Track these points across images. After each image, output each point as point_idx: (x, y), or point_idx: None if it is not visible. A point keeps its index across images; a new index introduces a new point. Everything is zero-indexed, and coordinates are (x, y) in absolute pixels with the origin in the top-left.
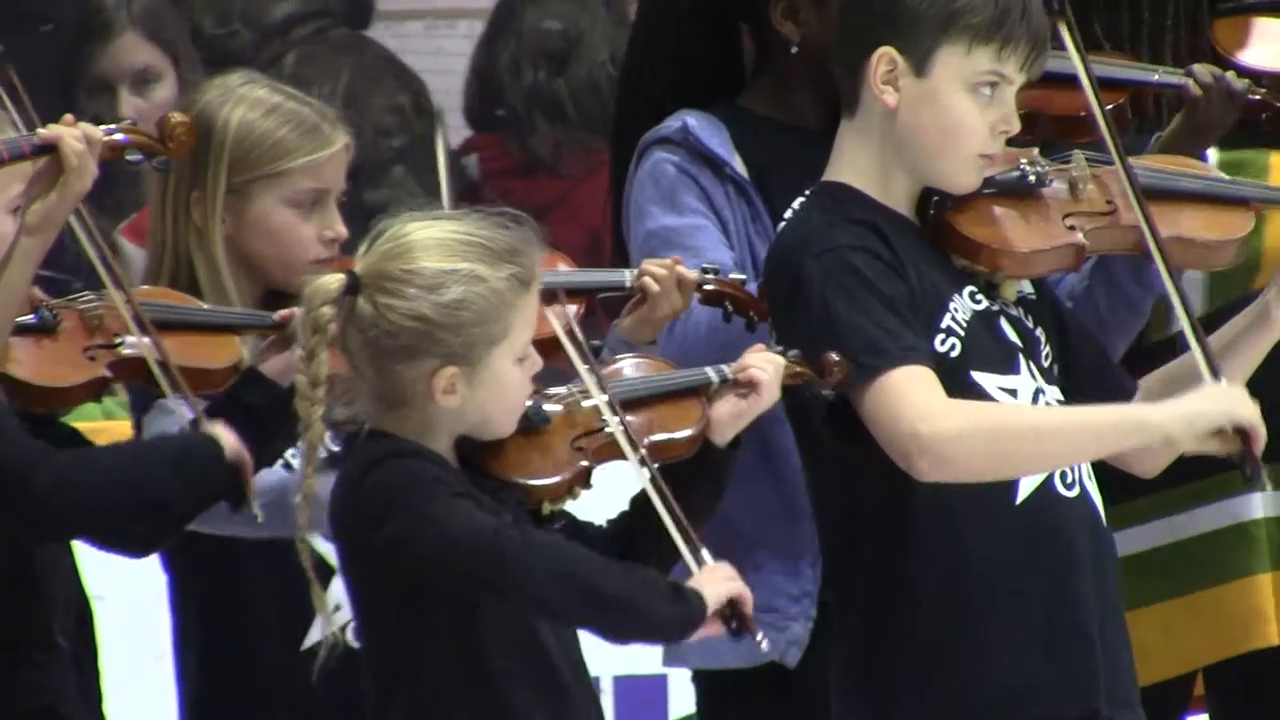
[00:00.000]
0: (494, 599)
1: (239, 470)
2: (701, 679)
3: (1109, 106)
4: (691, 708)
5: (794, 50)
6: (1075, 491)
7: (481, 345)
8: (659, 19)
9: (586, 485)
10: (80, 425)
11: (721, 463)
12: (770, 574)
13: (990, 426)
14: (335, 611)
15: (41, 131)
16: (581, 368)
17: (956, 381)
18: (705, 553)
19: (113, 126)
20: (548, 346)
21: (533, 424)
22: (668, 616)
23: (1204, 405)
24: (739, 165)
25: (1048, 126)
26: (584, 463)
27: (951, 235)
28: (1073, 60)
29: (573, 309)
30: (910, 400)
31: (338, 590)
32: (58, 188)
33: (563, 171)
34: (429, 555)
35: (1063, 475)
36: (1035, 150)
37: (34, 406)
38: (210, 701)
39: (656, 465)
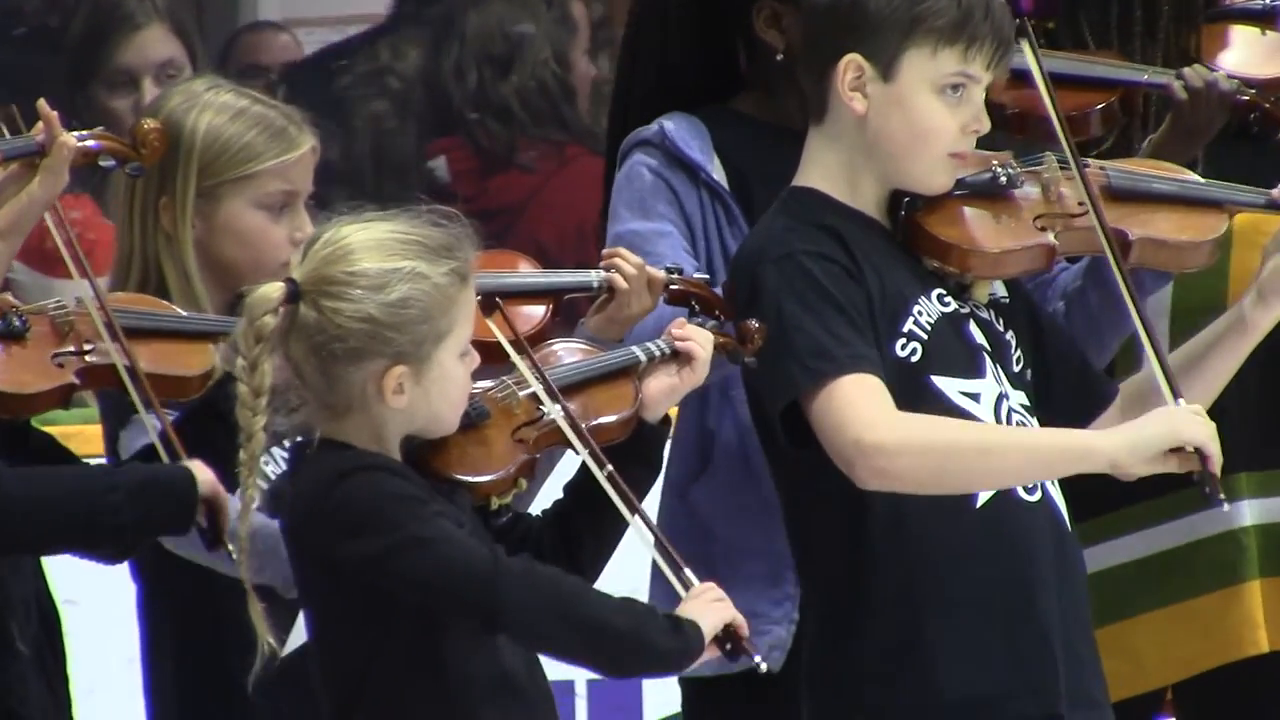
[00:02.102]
0: (485, 628)
1: (215, 509)
2: (685, 683)
3: (1099, 106)
4: (665, 711)
5: (779, 57)
6: (1036, 496)
7: (429, 342)
8: (648, 26)
9: (531, 476)
10: (57, 430)
11: (655, 440)
12: (752, 578)
13: (933, 443)
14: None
15: (39, 138)
16: (515, 356)
17: (915, 386)
18: (689, 573)
19: (85, 133)
20: (485, 350)
21: (472, 420)
22: (667, 651)
23: (1149, 430)
24: (716, 170)
25: (1036, 127)
26: (526, 455)
27: (921, 236)
28: (1031, 68)
29: (540, 310)
30: (856, 409)
31: None
32: (28, 191)
33: (531, 167)
34: (414, 576)
35: None
36: (1009, 153)
37: (1, 413)
38: (183, 710)
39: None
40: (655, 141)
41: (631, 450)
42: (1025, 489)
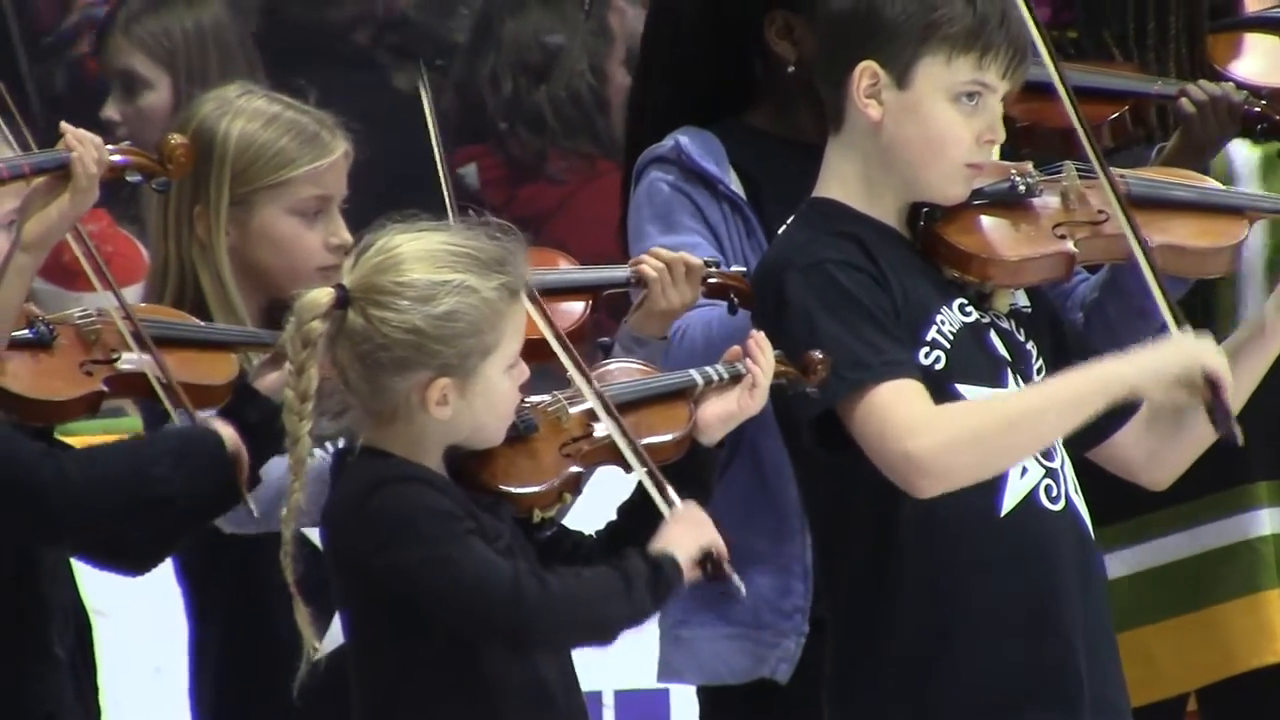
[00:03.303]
0: (508, 647)
1: (238, 466)
2: (700, 694)
3: (1110, 117)
4: None
5: (790, 69)
6: (1060, 505)
7: (475, 356)
8: (662, 39)
9: (576, 492)
10: (80, 440)
11: (709, 464)
12: (761, 590)
13: (974, 429)
14: None
15: (66, 141)
16: (572, 369)
17: (940, 394)
18: (672, 492)
19: (112, 147)
20: (534, 348)
21: (520, 432)
22: (655, 603)
23: (1168, 354)
24: (733, 182)
25: (1047, 138)
26: (573, 468)
27: (941, 246)
28: (1053, 79)
29: (579, 306)
30: (895, 417)
31: None
32: (58, 205)
33: (560, 178)
34: (441, 595)
35: (1048, 489)
36: (1029, 163)
37: (29, 421)
38: (229, 709)
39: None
40: (671, 157)
41: (685, 472)
42: (1049, 498)
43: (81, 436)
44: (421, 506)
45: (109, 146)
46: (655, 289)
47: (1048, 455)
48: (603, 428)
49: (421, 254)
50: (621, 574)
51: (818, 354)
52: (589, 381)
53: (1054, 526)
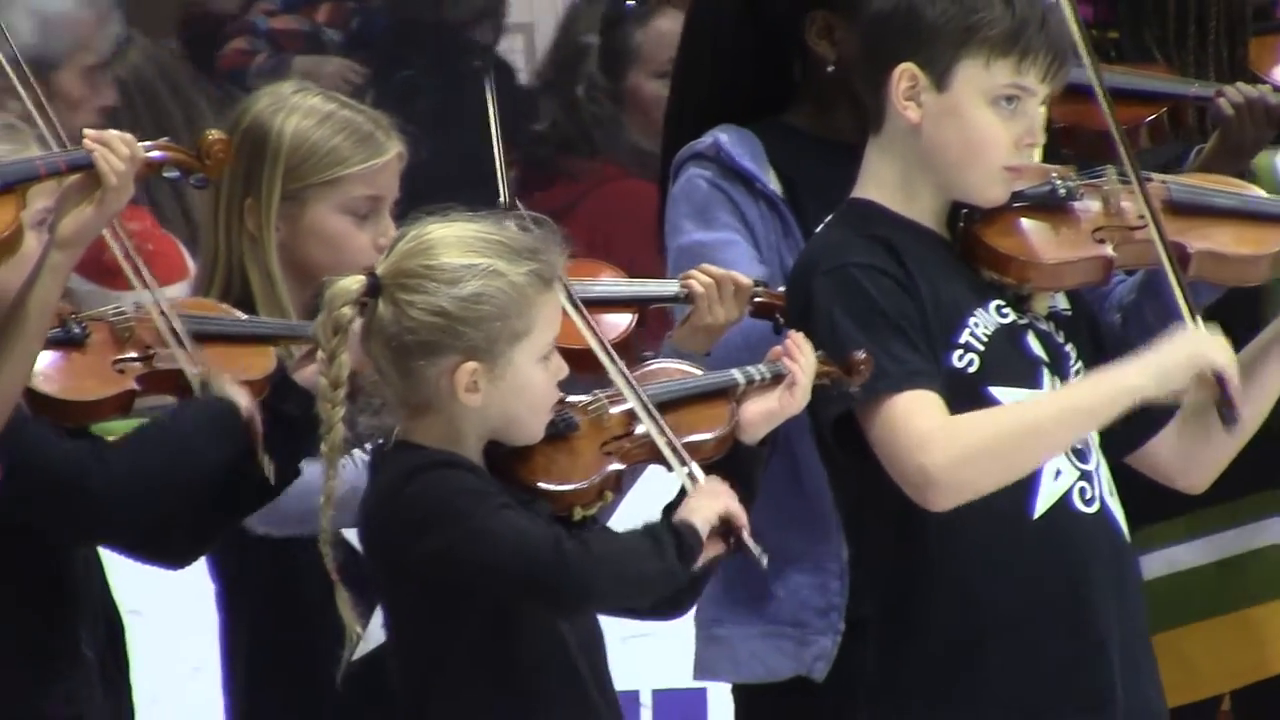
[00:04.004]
0: (551, 610)
1: (252, 432)
2: (736, 692)
3: (1148, 119)
4: None
5: (830, 69)
6: (1094, 508)
7: (503, 341)
8: (701, 39)
9: (617, 490)
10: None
11: (752, 462)
12: (797, 588)
13: (988, 442)
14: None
15: (85, 144)
16: (612, 369)
17: (972, 397)
18: (695, 467)
19: (149, 144)
20: (577, 358)
21: (559, 430)
22: (681, 567)
23: (1172, 357)
24: (771, 181)
25: (1085, 141)
26: (614, 466)
27: (979, 247)
28: (1092, 82)
29: (626, 320)
30: (910, 430)
31: None
32: (94, 203)
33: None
34: (484, 566)
35: (1081, 491)
36: (1069, 166)
37: (62, 421)
38: (263, 705)
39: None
40: (709, 154)
41: (729, 471)
42: (1083, 500)
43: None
44: (454, 489)
45: (146, 143)
46: (702, 304)
47: (1082, 458)
48: (644, 426)
49: (451, 240)
50: (650, 537)
51: (860, 354)
52: (627, 380)
53: (1087, 529)
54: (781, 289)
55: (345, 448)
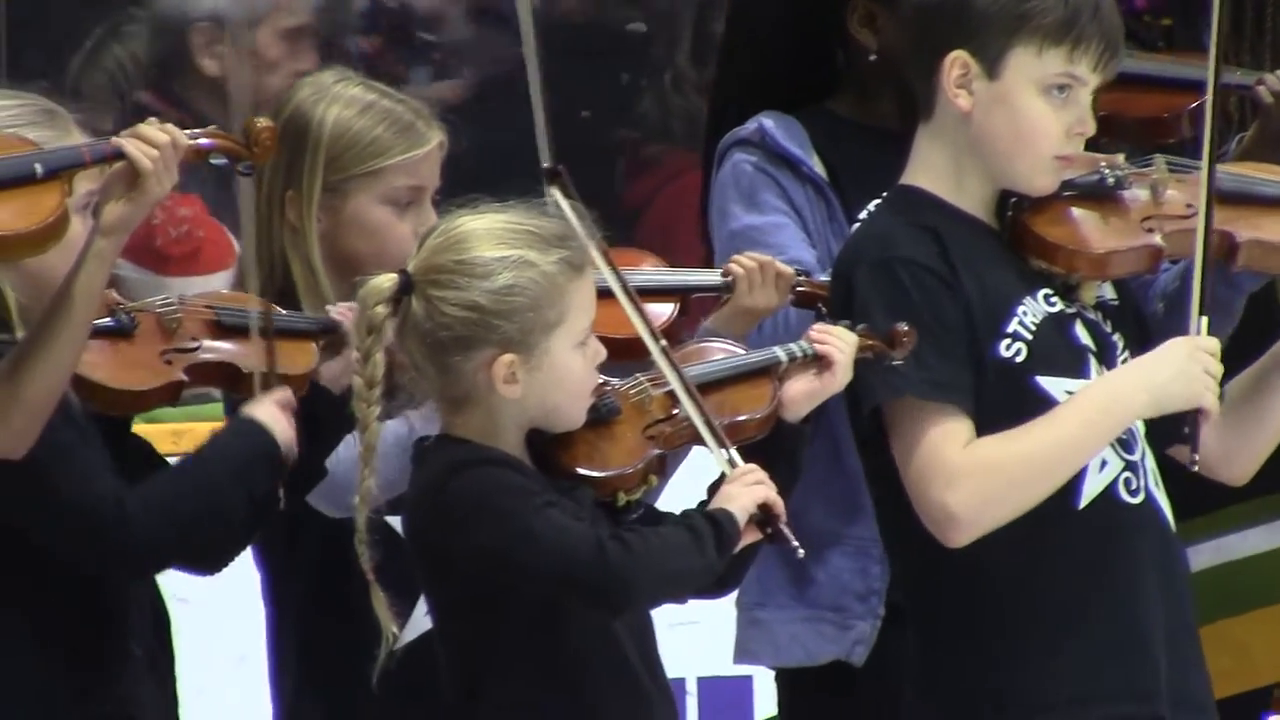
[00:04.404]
0: (597, 611)
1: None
2: (778, 677)
3: (1189, 108)
4: (774, 709)
5: (872, 58)
6: (1140, 498)
7: (538, 331)
8: (744, 26)
9: (662, 474)
10: (162, 427)
11: (795, 440)
12: (837, 572)
13: (1009, 481)
14: (430, 612)
15: (114, 138)
16: (655, 349)
17: (1019, 387)
18: (734, 453)
19: (197, 131)
20: (620, 346)
21: (602, 415)
22: (720, 558)
23: (1165, 371)
24: (816, 165)
25: (1126, 129)
26: (657, 450)
27: (1028, 236)
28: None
29: (668, 308)
30: (937, 460)
31: None
32: (135, 192)
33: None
34: (526, 567)
35: (1127, 482)
36: (1120, 156)
37: (110, 410)
38: (309, 695)
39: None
40: (754, 140)
41: (772, 450)
42: (1128, 490)
43: (166, 424)
44: (497, 486)
45: (193, 130)
46: (742, 285)
47: (1127, 448)
48: (686, 409)
49: (481, 232)
50: (687, 529)
51: (903, 325)
52: (670, 362)
53: (1133, 519)
54: (824, 278)
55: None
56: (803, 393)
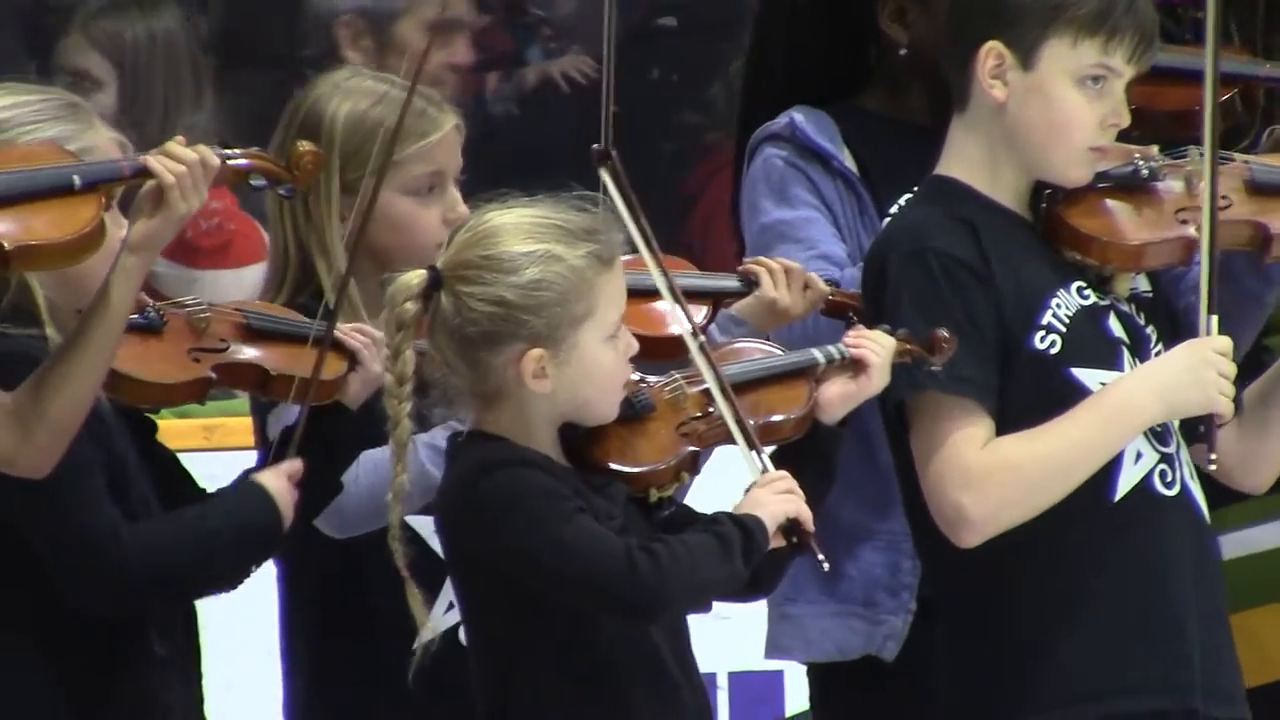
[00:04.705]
0: (625, 621)
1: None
2: (810, 672)
3: (1220, 100)
4: (805, 703)
5: (903, 52)
6: (1175, 490)
7: (565, 325)
8: (776, 21)
9: (694, 471)
10: (194, 423)
11: (831, 442)
12: (869, 567)
13: (1024, 486)
14: (449, 610)
15: (143, 156)
16: (693, 345)
17: (1054, 379)
18: (765, 458)
19: (236, 151)
20: (656, 345)
21: (636, 411)
22: (746, 566)
23: (1175, 374)
24: (847, 159)
25: (1156, 122)
26: (691, 447)
27: (1062, 228)
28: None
29: (701, 312)
30: (955, 461)
31: (453, 591)
32: (161, 208)
33: None
34: (555, 576)
35: (1162, 474)
36: (1154, 148)
37: (138, 402)
38: (321, 698)
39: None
40: (785, 134)
41: (808, 452)
42: (1163, 483)
43: (197, 419)
44: (528, 489)
45: (233, 150)
46: (766, 279)
47: (1162, 440)
48: (720, 408)
49: (508, 227)
50: (716, 537)
51: (944, 331)
52: (707, 358)
53: (1168, 512)
54: (855, 290)
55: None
56: (839, 395)
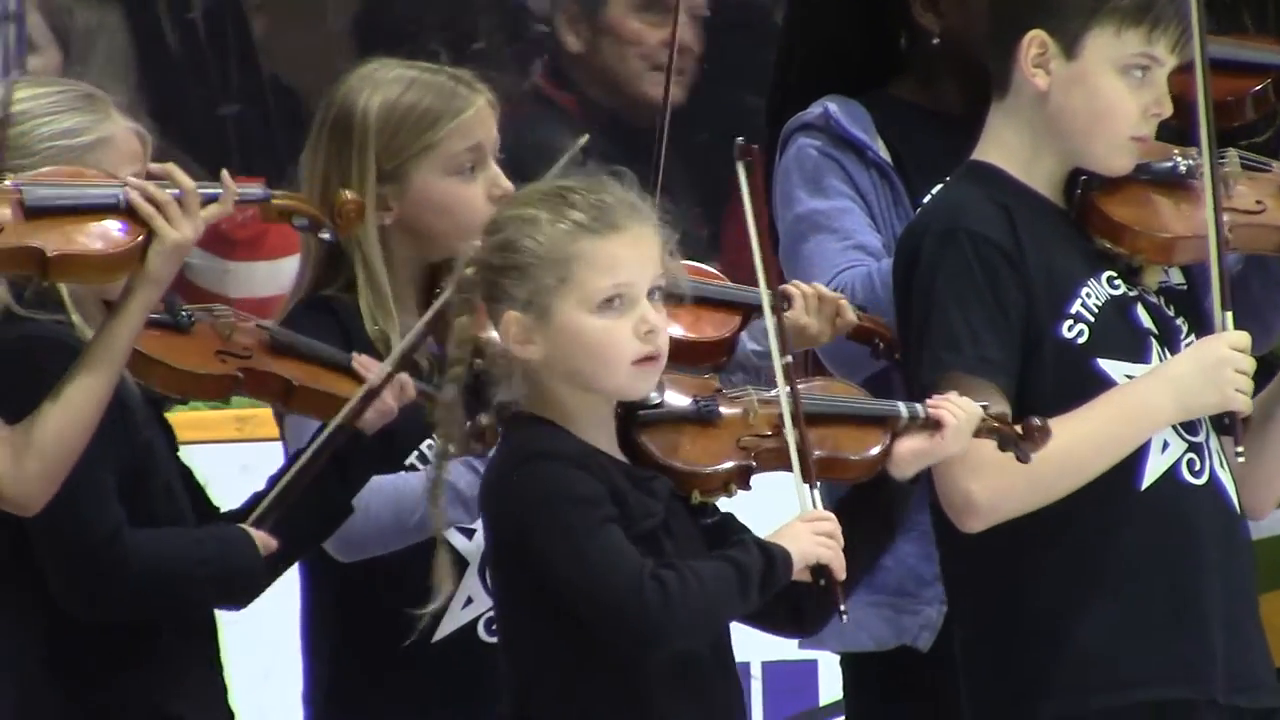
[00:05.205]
0: (623, 646)
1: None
2: (843, 662)
3: (1252, 90)
4: (840, 693)
5: (935, 41)
6: (1203, 479)
7: (542, 291)
8: (808, 13)
9: (744, 485)
10: (226, 413)
11: (897, 497)
12: (904, 557)
13: (1030, 477)
14: (466, 605)
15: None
16: (777, 364)
17: (1080, 369)
18: (817, 496)
19: (277, 193)
20: (690, 349)
21: (700, 414)
22: (763, 597)
23: (1190, 373)
24: (881, 149)
25: (1187, 115)
26: (746, 462)
27: (1096, 216)
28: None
29: (735, 320)
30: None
31: (470, 584)
32: (154, 241)
33: None
34: (566, 586)
35: (1190, 463)
36: (1194, 150)
37: (167, 390)
38: (341, 692)
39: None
40: (819, 124)
41: (872, 503)
42: (1191, 472)
43: (230, 410)
44: (559, 492)
45: (277, 192)
46: (799, 304)
47: (1191, 430)
48: (787, 432)
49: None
50: (736, 568)
51: (1037, 420)
52: (789, 378)
53: (1195, 501)
54: (883, 317)
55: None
56: (910, 450)
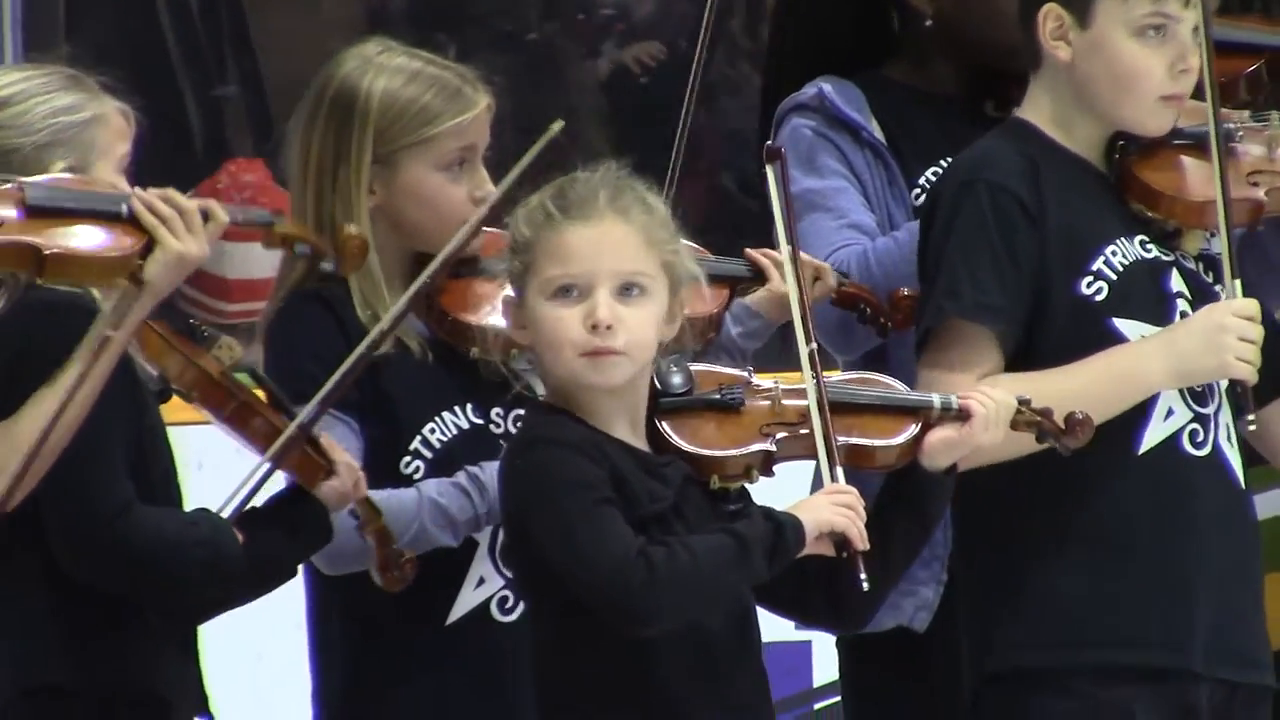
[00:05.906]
0: (615, 626)
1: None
2: (839, 644)
3: (1246, 71)
4: (834, 674)
5: (927, 23)
6: (1206, 451)
7: (517, 277)
8: None
9: (767, 471)
10: None
11: (931, 489)
12: None
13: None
14: (479, 586)
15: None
16: (803, 353)
17: (1095, 326)
18: (839, 473)
19: (286, 220)
20: (692, 325)
21: (724, 402)
22: (770, 567)
23: (1190, 340)
24: (876, 130)
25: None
26: (766, 446)
27: (1131, 180)
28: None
29: (724, 294)
30: (950, 382)
31: (481, 565)
32: (155, 252)
33: None
34: (560, 567)
35: (1193, 434)
36: (1244, 113)
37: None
38: (352, 679)
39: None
40: (813, 104)
41: (905, 497)
42: (1193, 443)
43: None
44: (555, 475)
45: (281, 218)
46: (774, 274)
47: (1200, 400)
48: (812, 420)
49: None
50: (737, 540)
51: (1079, 414)
52: (814, 366)
53: (1194, 471)
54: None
55: None
56: (940, 440)
